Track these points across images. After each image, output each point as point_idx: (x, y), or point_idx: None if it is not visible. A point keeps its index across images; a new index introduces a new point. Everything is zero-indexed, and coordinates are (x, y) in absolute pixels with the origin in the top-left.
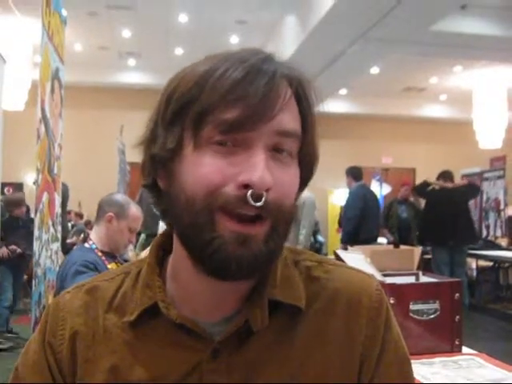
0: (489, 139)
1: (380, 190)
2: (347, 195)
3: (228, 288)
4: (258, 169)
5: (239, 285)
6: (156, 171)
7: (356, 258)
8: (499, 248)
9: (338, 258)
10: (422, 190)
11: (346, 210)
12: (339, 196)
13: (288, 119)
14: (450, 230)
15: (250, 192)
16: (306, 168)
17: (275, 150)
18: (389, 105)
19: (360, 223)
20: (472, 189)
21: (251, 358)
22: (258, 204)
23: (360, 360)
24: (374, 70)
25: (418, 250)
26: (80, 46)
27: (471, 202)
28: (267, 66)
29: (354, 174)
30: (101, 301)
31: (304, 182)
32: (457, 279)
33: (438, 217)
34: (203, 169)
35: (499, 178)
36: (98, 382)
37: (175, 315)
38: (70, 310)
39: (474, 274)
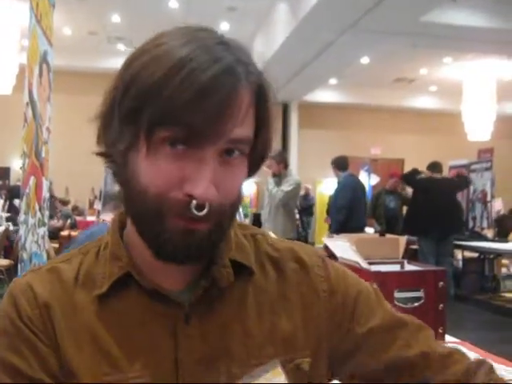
0: (477, 131)
1: (368, 180)
2: (336, 185)
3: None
4: (203, 183)
5: None
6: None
7: (342, 246)
8: (485, 239)
9: (326, 246)
10: (411, 177)
11: (335, 199)
12: (327, 186)
13: (242, 129)
14: (436, 221)
15: (193, 203)
16: (256, 163)
17: (225, 153)
18: (379, 95)
19: (349, 213)
20: (462, 180)
21: (222, 319)
22: (201, 214)
23: (329, 313)
24: (365, 60)
25: (403, 239)
26: (69, 30)
27: (458, 194)
28: (232, 74)
29: (338, 164)
30: (65, 279)
31: (252, 174)
32: (441, 268)
33: (424, 207)
34: (154, 170)
35: (487, 169)
36: (85, 355)
37: (147, 282)
38: (35, 286)
39: (460, 264)
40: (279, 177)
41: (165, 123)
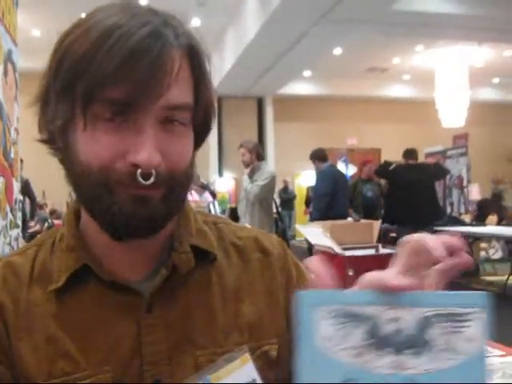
0: (451, 118)
1: (346, 170)
2: (316, 175)
3: (140, 246)
4: (145, 149)
5: (150, 242)
6: (52, 131)
7: (315, 232)
8: (463, 224)
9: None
10: (383, 170)
11: (316, 188)
12: (306, 178)
13: (178, 93)
14: (414, 209)
15: (139, 171)
16: (201, 131)
17: (166, 122)
18: (352, 86)
19: (331, 201)
20: (439, 169)
21: (185, 307)
22: (148, 182)
23: (285, 305)
24: (337, 51)
25: (377, 223)
26: (38, 32)
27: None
28: (159, 37)
29: (318, 156)
30: (19, 274)
31: (199, 142)
32: None
33: (400, 196)
34: (95, 145)
35: (462, 155)
36: (41, 355)
37: (106, 274)
38: None
39: None
40: (252, 169)
41: (98, 94)
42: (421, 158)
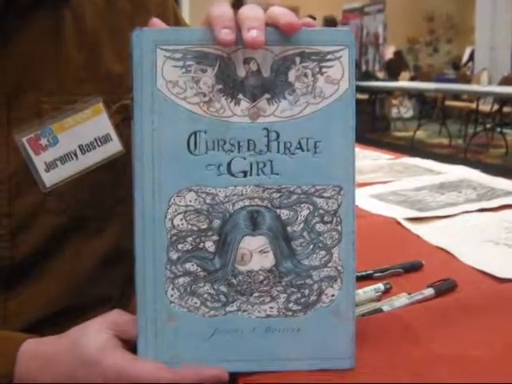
0: None
1: None
2: None
3: None
4: None
5: None
6: None
7: None
8: (377, 79)
9: None
10: None
11: None
12: None
13: None
14: None
15: None
16: None
17: None
18: None
19: None
20: None
21: (29, 47)
22: None
23: None
24: None
25: None
26: None
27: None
28: None
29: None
30: None
31: None
32: None
33: None
34: None
35: (379, 11)
36: None
37: None
38: None
39: None
40: None
41: None
42: (339, 15)
